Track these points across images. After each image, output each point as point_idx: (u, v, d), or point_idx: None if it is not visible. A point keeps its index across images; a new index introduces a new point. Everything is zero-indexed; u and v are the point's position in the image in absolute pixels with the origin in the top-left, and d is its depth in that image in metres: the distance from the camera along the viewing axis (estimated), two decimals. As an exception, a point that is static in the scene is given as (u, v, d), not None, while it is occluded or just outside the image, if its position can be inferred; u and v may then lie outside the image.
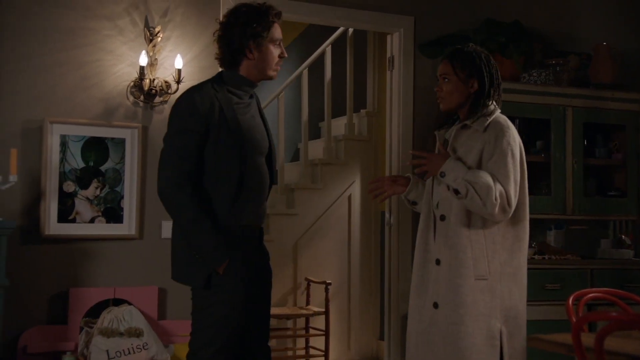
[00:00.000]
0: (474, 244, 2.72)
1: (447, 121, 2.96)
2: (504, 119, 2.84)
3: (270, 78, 2.86)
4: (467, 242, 2.73)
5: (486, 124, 2.79)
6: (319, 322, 5.53)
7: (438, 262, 2.79)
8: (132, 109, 4.17)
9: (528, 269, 4.32)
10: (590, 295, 3.18)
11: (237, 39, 2.75)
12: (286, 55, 2.85)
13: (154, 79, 4.14)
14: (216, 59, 2.86)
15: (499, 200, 2.66)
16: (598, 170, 4.94)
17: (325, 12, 4.66)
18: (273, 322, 5.15)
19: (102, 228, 4.09)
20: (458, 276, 2.72)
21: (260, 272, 2.84)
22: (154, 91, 4.14)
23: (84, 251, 4.04)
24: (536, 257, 4.52)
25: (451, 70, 2.84)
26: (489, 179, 2.67)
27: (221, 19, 2.87)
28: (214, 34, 2.85)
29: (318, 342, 5.50)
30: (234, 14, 2.79)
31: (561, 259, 4.54)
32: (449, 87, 2.84)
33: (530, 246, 4.63)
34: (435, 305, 2.78)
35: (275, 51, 2.79)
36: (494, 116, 2.83)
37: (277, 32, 2.79)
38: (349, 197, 6.01)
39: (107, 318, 3.87)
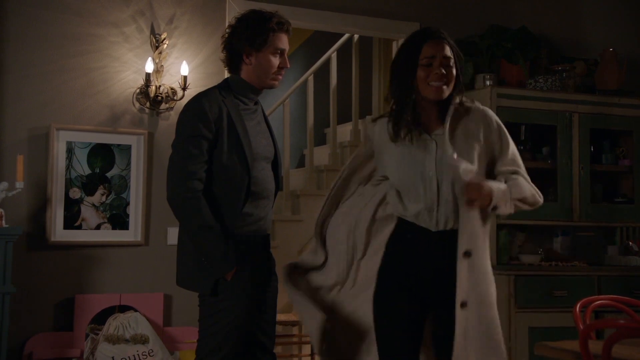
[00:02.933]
0: (486, 235, 2.57)
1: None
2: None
3: (270, 87, 2.85)
4: (485, 233, 2.55)
5: (474, 105, 2.61)
6: (324, 329, 5.51)
7: (468, 254, 2.45)
8: (138, 116, 4.18)
9: (534, 275, 4.35)
10: (598, 302, 3.16)
11: (236, 42, 2.78)
12: (288, 66, 2.84)
13: (159, 86, 4.14)
14: (222, 60, 2.89)
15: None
16: (605, 177, 4.92)
17: (331, 19, 4.66)
18: (278, 329, 5.14)
19: (108, 234, 4.09)
20: (487, 272, 2.51)
21: (267, 279, 2.84)
22: (159, 98, 4.14)
23: (89, 258, 4.04)
24: (543, 263, 4.50)
25: (451, 53, 2.53)
26: (525, 184, 2.59)
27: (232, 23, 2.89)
28: (222, 37, 2.88)
29: (324, 348, 5.48)
30: (240, 18, 2.83)
31: (568, 265, 4.52)
32: (454, 72, 2.52)
33: (536, 252, 4.61)
34: (464, 305, 2.42)
35: (274, 60, 2.78)
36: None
37: (279, 41, 2.78)
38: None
39: (112, 324, 3.87)
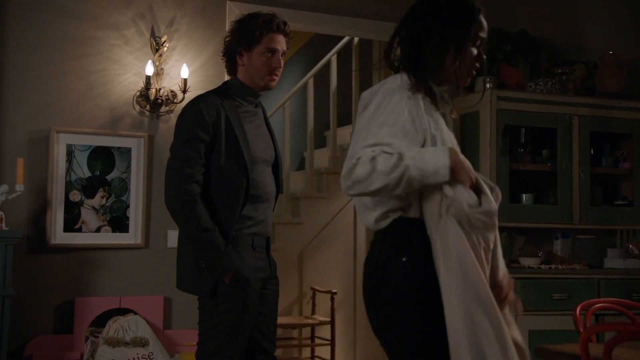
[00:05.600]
0: None
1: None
2: None
3: (265, 88, 2.84)
4: None
5: None
6: (324, 332, 5.51)
7: None
8: (138, 118, 4.18)
9: (534, 278, 4.35)
10: (598, 305, 3.16)
11: (231, 44, 2.81)
12: (280, 66, 2.82)
13: (160, 89, 4.14)
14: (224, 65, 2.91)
15: None
16: (605, 179, 4.92)
17: (331, 22, 4.66)
18: (278, 332, 5.13)
19: (108, 237, 4.09)
20: None
21: (267, 282, 2.83)
22: (160, 100, 4.14)
23: (89, 260, 4.04)
24: (543, 266, 4.50)
25: None
26: None
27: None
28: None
29: (324, 351, 5.48)
30: (236, 20, 2.85)
31: (568, 268, 4.52)
32: None
33: (536, 255, 4.61)
34: None
35: (264, 60, 2.77)
36: None
37: (270, 41, 2.77)
38: (355, 207, 5.98)
39: (112, 327, 3.87)
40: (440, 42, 2.03)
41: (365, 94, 2.08)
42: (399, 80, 2.05)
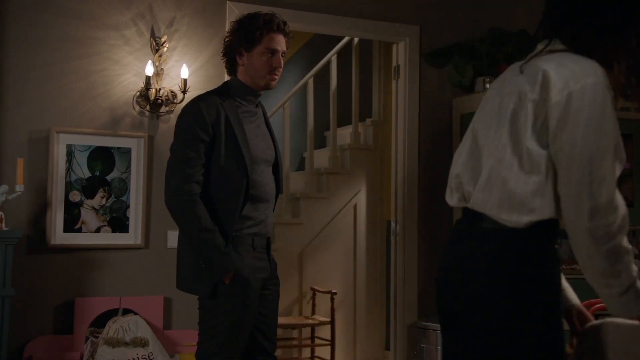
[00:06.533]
0: None
1: None
2: None
3: (266, 88, 2.84)
4: None
5: None
6: (324, 332, 5.51)
7: None
8: (138, 119, 4.18)
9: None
10: (599, 305, 3.16)
11: (231, 44, 2.81)
12: (280, 66, 2.82)
13: (159, 89, 4.14)
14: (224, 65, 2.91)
15: None
16: (605, 180, 4.91)
17: (331, 22, 4.66)
18: (278, 332, 5.14)
19: (108, 237, 4.09)
20: None
21: (268, 282, 2.83)
22: (159, 101, 4.14)
23: (89, 261, 4.04)
24: (543, 266, 4.50)
25: None
26: None
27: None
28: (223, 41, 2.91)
29: (324, 352, 5.49)
30: (236, 20, 2.86)
31: (568, 268, 4.51)
32: None
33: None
34: None
35: (264, 59, 2.77)
36: None
37: (270, 41, 2.77)
38: (355, 206, 6.00)
39: (112, 328, 3.87)
40: (630, 34, 1.84)
41: (565, 80, 1.79)
42: (601, 70, 1.76)
